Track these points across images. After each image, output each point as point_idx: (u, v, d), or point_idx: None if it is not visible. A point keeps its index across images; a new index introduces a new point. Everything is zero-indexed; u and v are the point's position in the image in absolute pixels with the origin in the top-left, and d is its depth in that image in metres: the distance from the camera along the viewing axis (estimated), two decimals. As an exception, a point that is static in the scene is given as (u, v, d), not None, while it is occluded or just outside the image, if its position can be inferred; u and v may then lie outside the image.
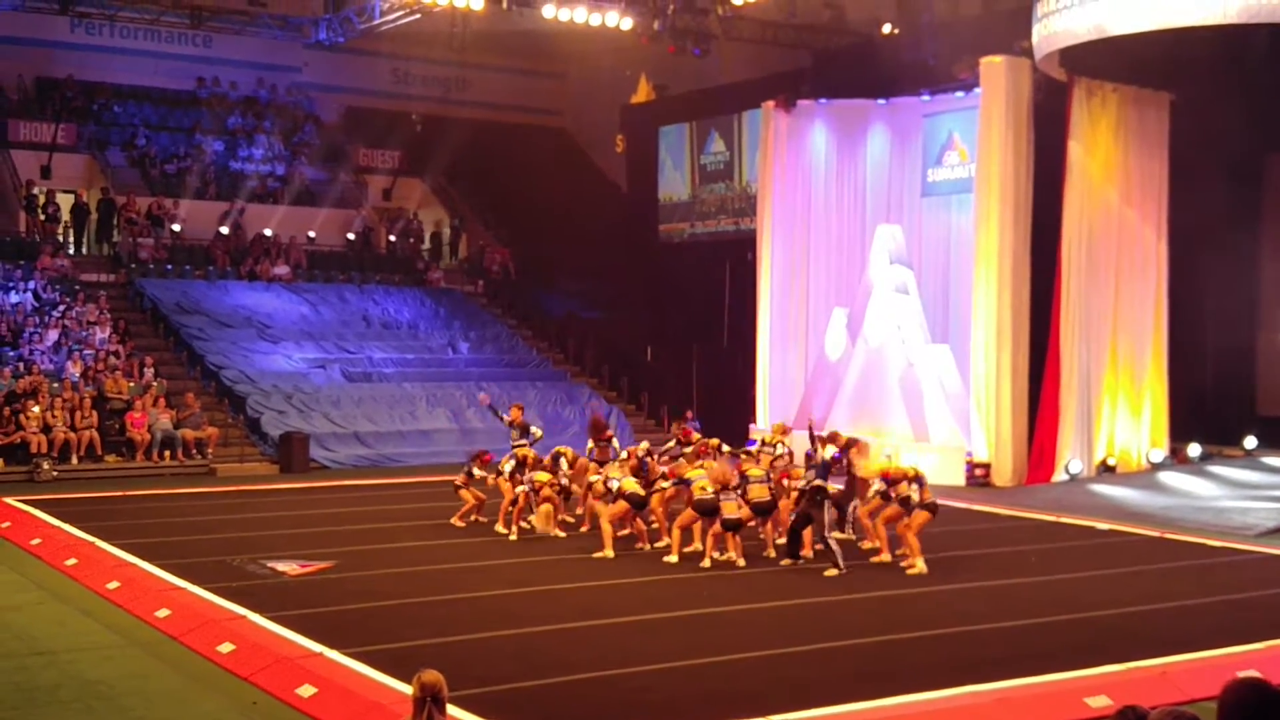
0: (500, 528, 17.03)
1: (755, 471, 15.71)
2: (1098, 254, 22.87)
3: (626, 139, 35.10)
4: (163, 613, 12.37)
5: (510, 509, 16.97)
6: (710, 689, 10.12)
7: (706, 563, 14.93)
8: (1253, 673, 6.22)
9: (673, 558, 15.24)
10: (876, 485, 15.43)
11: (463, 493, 17.56)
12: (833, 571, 14.46)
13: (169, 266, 30.12)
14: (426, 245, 34.69)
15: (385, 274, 32.66)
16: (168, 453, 23.72)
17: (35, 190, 30.81)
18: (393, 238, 34.03)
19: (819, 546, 15.04)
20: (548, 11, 27.74)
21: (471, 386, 28.15)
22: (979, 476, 22.50)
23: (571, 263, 33.61)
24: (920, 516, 14.82)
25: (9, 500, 19.36)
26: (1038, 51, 21.53)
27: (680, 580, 14.24)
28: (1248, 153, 23.85)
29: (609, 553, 15.44)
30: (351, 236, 33.48)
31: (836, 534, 15.14)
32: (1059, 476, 22.34)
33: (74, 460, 22.99)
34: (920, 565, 14.71)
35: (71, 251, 30.49)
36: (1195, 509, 19.57)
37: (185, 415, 24.29)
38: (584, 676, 10.33)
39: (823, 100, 26.62)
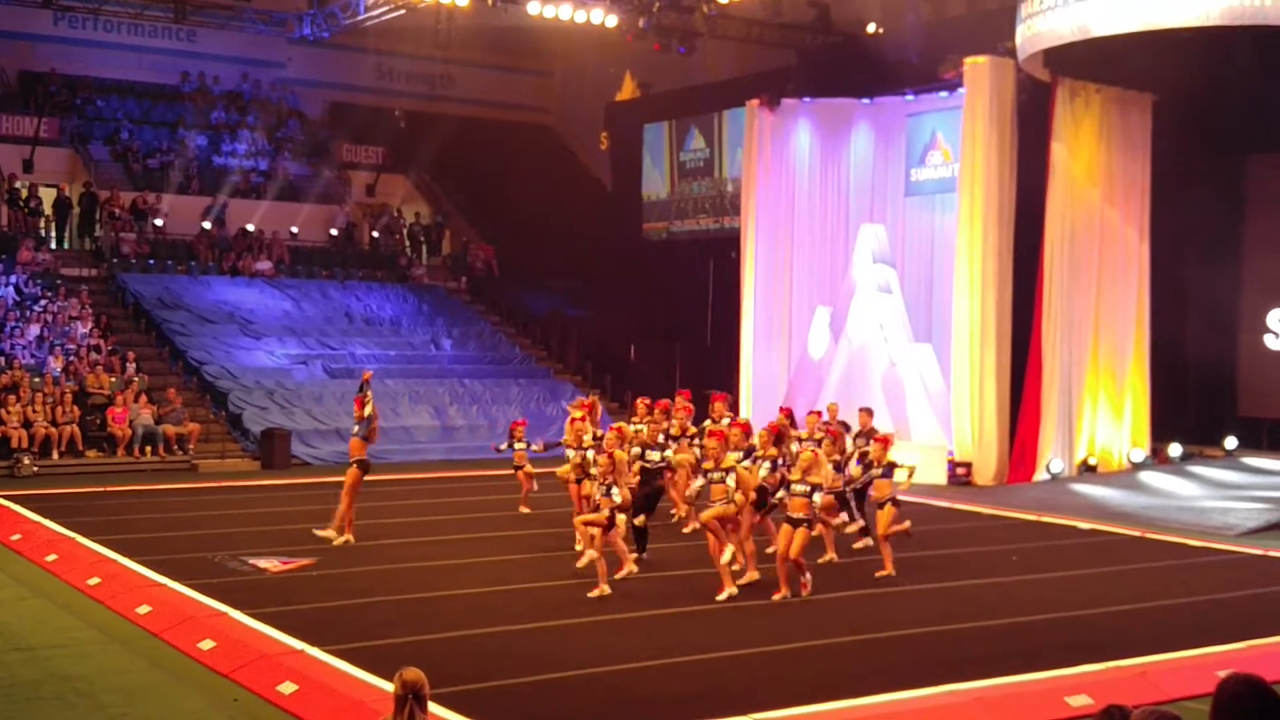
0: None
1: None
2: (1080, 254, 22.92)
3: (611, 137, 35.02)
4: (143, 609, 12.34)
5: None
6: (689, 687, 10.13)
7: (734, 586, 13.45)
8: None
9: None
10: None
11: (520, 474, 18.06)
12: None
13: (151, 261, 30.02)
14: (411, 223, 34.63)
15: (368, 270, 32.63)
16: (149, 448, 23.62)
17: (17, 184, 30.68)
18: (375, 234, 33.97)
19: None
20: (533, 8, 27.68)
21: (454, 383, 28.16)
22: (960, 475, 22.54)
23: (555, 260, 33.56)
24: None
25: (-11, 495, 19.30)
26: (1021, 52, 21.59)
27: (660, 579, 14.24)
28: (1230, 154, 23.96)
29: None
30: (334, 232, 33.42)
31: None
32: (1040, 476, 22.38)
33: (55, 455, 22.86)
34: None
35: (54, 246, 30.34)
36: (1176, 509, 19.64)
37: (167, 411, 24.20)
38: (565, 674, 10.33)
39: (807, 99, 26.63)
